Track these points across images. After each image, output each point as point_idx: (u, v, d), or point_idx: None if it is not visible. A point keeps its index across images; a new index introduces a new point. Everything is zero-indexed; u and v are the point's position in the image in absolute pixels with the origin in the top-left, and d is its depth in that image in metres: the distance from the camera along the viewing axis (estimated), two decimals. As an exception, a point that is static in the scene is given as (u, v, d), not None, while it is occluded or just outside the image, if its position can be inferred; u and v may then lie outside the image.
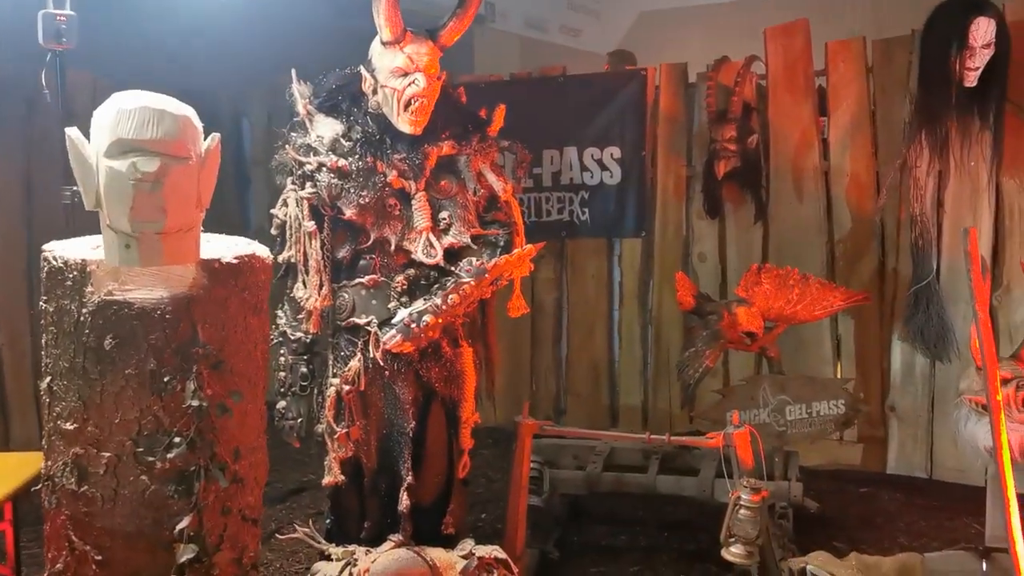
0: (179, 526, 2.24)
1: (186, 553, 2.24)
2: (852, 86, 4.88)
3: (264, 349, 2.45)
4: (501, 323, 5.89)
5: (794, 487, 3.71)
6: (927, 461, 4.78)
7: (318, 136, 2.95)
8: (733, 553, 3.05)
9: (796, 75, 5.00)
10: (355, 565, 2.88)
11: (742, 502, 3.03)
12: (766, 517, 3.11)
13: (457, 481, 3.17)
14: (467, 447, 3.14)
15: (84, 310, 2.19)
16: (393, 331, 2.86)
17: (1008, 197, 4.47)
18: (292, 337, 3.03)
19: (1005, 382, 3.42)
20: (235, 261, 2.30)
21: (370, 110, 2.99)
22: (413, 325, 2.84)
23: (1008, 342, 4.49)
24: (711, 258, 5.30)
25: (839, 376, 5.05)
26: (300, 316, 2.98)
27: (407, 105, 2.91)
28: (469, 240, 2.98)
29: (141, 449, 2.21)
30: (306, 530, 3.03)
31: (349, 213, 2.90)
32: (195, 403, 2.20)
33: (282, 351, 3.06)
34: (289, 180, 2.97)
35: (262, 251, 2.44)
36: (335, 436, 2.94)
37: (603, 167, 5.53)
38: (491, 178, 3.06)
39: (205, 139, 2.28)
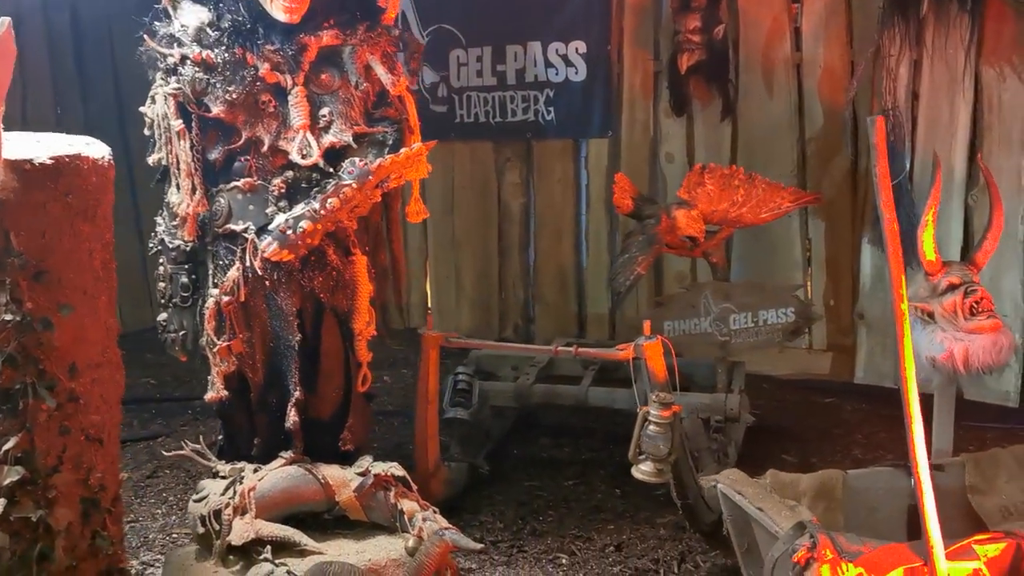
0: (4, 447, 2.10)
1: (10, 475, 2.10)
2: (827, -31, 4.51)
3: (105, 257, 2.27)
4: (469, 229, 5.79)
5: (731, 400, 3.51)
6: (896, 370, 4.53)
7: (182, 25, 2.71)
8: (642, 471, 2.88)
9: (767, -42, 4.64)
10: (241, 483, 2.75)
11: (651, 417, 2.84)
12: (680, 432, 2.92)
13: (357, 395, 3.00)
14: (364, 360, 2.96)
15: None
16: (269, 238, 2.67)
17: (987, 88, 4.13)
18: (170, 245, 2.84)
19: (953, 288, 3.18)
20: (50, 162, 2.10)
21: None
22: (289, 232, 2.65)
23: (983, 245, 4.20)
24: (679, 158, 5.02)
25: (810, 282, 4.82)
26: (175, 223, 2.79)
27: (279, -11, 2.66)
28: (351, 139, 2.75)
29: (-44, 366, 2.06)
30: (197, 447, 2.89)
31: (216, 110, 2.68)
32: (10, 317, 2.03)
33: (161, 260, 2.89)
34: (158, 75, 2.75)
35: (98, 151, 2.23)
36: (216, 350, 2.78)
37: (568, 63, 5.23)
38: (380, 71, 2.80)
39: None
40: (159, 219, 2.89)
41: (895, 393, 4.49)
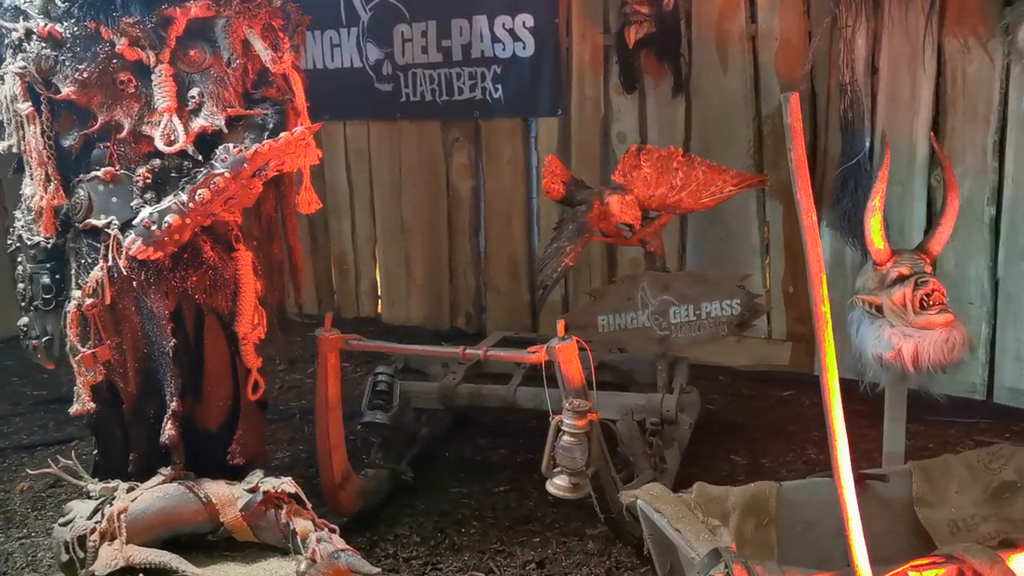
0: None
1: None
2: (782, -66, 4.21)
3: None
4: (418, 214, 5.51)
5: (667, 400, 3.25)
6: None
7: None
8: (556, 485, 2.64)
9: (720, -77, 4.34)
10: (111, 504, 2.49)
11: (565, 427, 2.59)
12: (599, 442, 2.67)
13: (248, 404, 2.74)
14: (253, 365, 2.70)
15: None
16: (133, 234, 2.40)
17: (951, 60, 3.84)
18: (29, 242, 2.58)
19: (902, 279, 2.92)
20: None
21: None
22: (154, 227, 2.38)
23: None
24: (631, 137, 4.73)
25: (768, 268, 4.55)
26: (32, 217, 2.52)
27: (137, -45, 2.38)
28: (223, 123, 2.47)
29: None
30: (69, 463, 2.63)
31: (66, 91, 2.42)
32: None
33: (19, 259, 2.62)
34: (7, 53, 2.47)
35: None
36: (79, 358, 2.51)
37: (515, 37, 4.93)
38: (259, 46, 2.53)
39: None
40: (17, 213, 2.62)
41: (856, 386, 4.21)
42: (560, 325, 2.64)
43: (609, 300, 3.38)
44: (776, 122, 4.36)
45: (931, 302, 2.83)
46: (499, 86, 5.03)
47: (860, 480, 2.71)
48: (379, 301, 5.81)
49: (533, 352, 2.65)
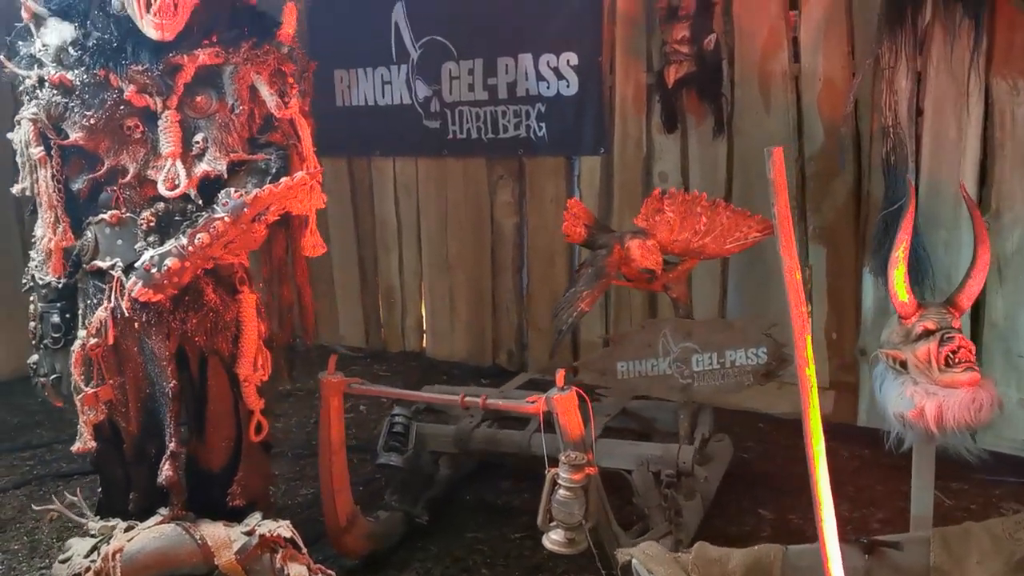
0: None
1: None
2: (826, -27, 4.11)
3: None
4: (463, 250, 5.52)
5: (684, 452, 3.15)
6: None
7: (44, 45, 2.51)
8: (552, 540, 2.58)
9: (764, -39, 4.26)
10: (109, 543, 2.52)
11: (561, 480, 2.53)
12: (598, 496, 2.60)
13: (250, 446, 2.76)
14: (256, 407, 2.71)
15: None
16: (135, 276, 2.44)
17: (999, 102, 3.68)
18: (41, 282, 2.64)
19: (928, 334, 2.79)
20: None
21: (115, 12, 2.51)
22: (154, 270, 2.42)
23: (996, 276, 3.77)
24: (673, 177, 4.67)
25: (811, 313, 4.41)
26: (42, 258, 2.59)
27: (149, 4, 2.43)
28: (224, 168, 2.50)
29: None
30: (74, 499, 2.68)
31: (74, 136, 2.48)
32: None
33: (32, 298, 2.68)
34: (25, 99, 2.55)
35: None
36: (81, 397, 2.56)
37: (560, 76, 4.92)
38: (264, 92, 2.56)
39: None
40: (32, 253, 2.69)
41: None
42: (559, 375, 2.59)
43: (629, 346, 3.30)
44: (819, 164, 4.24)
45: (957, 359, 2.69)
46: (543, 124, 5.02)
47: (875, 548, 2.60)
48: (424, 336, 5.83)
49: (532, 402, 2.60)
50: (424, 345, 5.82)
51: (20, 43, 2.57)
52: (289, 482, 3.98)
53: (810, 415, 1.95)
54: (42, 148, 2.50)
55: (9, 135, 2.62)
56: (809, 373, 1.94)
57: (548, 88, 4.96)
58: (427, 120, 5.42)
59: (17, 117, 2.56)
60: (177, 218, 2.52)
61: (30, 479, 4.11)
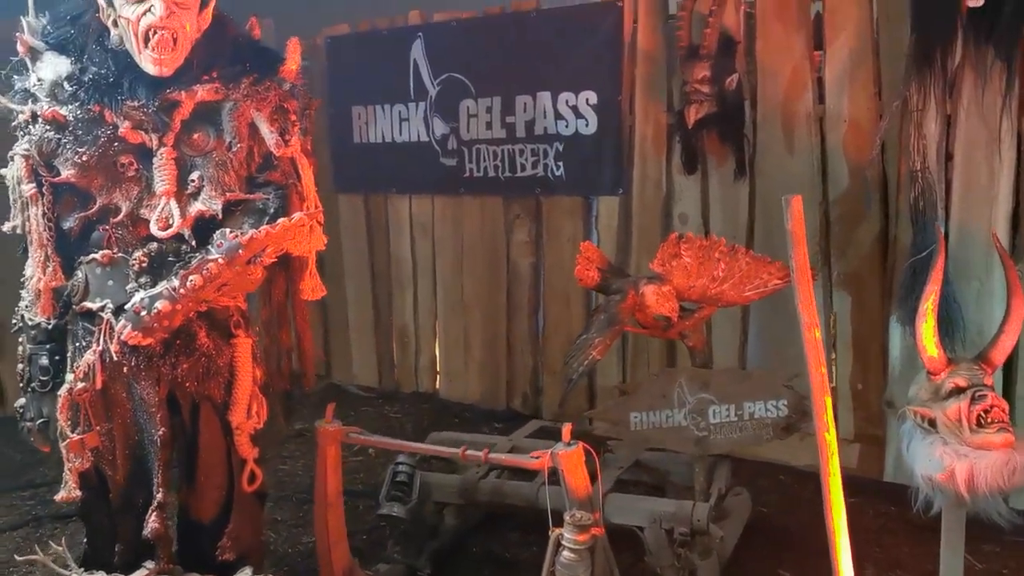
0: None
1: None
2: (852, 13, 4.00)
3: None
4: (478, 289, 5.41)
5: (698, 509, 3.00)
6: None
7: (39, 79, 2.44)
8: (556, 604, 2.43)
9: (788, 0, 4.15)
10: (91, 596, 2.41)
11: (565, 542, 2.39)
12: (606, 557, 2.46)
13: (242, 496, 2.63)
14: (249, 456, 2.60)
15: None
16: (124, 319, 2.35)
17: (1032, 146, 3.55)
18: (31, 323, 2.55)
19: (958, 391, 2.65)
20: None
21: (113, 46, 2.44)
22: (143, 313, 2.32)
23: (1030, 330, 3.60)
24: (693, 219, 4.54)
25: (835, 363, 4.25)
26: (32, 298, 2.50)
27: (147, 39, 2.35)
28: (219, 207, 2.41)
29: None
30: (58, 549, 2.57)
31: (66, 173, 2.39)
32: None
33: (20, 339, 2.59)
34: (19, 134, 2.48)
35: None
36: (66, 443, 2.46)
37: (578, 115, 4.83)
38: (264, 130, 2.47)
39: None
40: (23, 292, 2.60)
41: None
42: (566, 429, 2.46)
43: (643, 396, 3.17)
44: (844, 208, 4.11)
45: (990, 419, 2.55)
46: (561, 163, 4.92)
47: (900, 618, 2.43)
48: (437, 377, 5.71)
49: (536, 457, 2.47)
50: (437, 386, 5.70)
51: (15, 77, 2.50)
52: (291, 528, 3.85)
53: (831, 485, 1.81)
54: (34, 185, 2.42)
55: (2, 171, 2.54)
56: (829, 439, 1.80)
57: (567, 127, 4.87)
58: (444, 158, 5.34)
59: (10, 153, 2.49)
60: (170, 259, 2.42)
61: (28, 520, 4.02)
